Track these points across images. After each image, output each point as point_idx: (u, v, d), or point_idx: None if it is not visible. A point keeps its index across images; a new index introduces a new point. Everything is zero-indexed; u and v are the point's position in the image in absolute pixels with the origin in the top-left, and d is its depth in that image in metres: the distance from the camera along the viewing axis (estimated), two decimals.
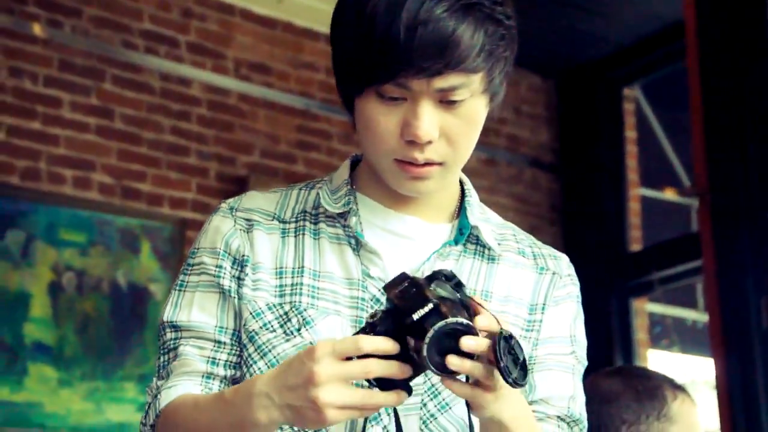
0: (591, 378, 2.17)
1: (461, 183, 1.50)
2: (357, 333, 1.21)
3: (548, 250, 1.52)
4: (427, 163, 1.34)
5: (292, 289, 1.38)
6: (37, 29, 4.09)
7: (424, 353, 1.16)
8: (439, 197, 1.44)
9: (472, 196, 1.49)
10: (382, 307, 1.25)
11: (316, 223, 1.42)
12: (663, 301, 5.97)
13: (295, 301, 1.38)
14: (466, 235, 1.44)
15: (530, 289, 1.46)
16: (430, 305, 1.17)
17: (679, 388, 2.11)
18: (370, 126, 1.33)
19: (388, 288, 1.22)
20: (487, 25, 1.31)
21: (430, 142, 1.32)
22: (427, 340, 1.15)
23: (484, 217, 1.49)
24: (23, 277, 3.90)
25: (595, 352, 5.89)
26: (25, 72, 4.06)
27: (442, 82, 1.29)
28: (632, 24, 5.03)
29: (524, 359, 1.19)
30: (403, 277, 1.22)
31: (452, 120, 1.33)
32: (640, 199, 5.43)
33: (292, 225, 1.42)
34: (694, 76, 3.86)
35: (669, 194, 6.10)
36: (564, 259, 1.52)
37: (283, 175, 4.56)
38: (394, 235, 1.42)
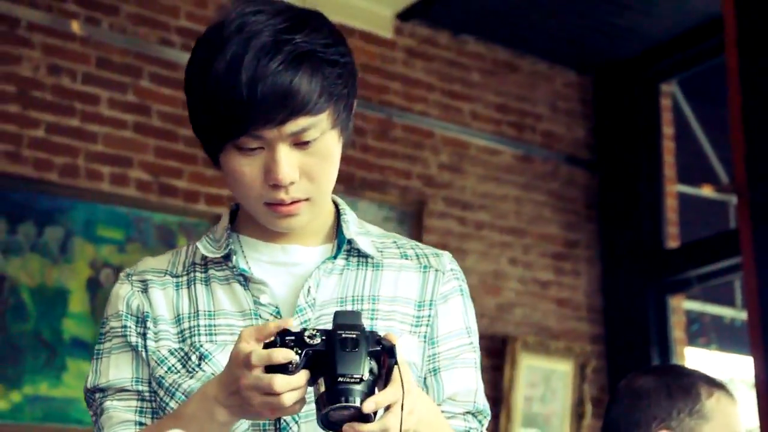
0: (628, 377, 2.16)
1: (336, 204, 1.59)
2: (285, 342, 1.29)
3: (430, 250, 1.61)
4: (294, 201, 1.45)
5: (190, 332, 1.49)
6: (75, 27, 4.13)
7: (319, 421, 1.26)
8: (313, 223, 1.53)
9: (347, 214, 1.57)
10: (320, 333, 1.30)
11: (205, 272, 1.53)
12: (700, 298, 5.93)
13: (194, 342, 1.49)
14: (342, 249, 1.53)
15: (417, 288, 1.56)
16: (358, 378, 1.25)
17: (717, 386, 2.09)
18: (236, 177, 1.45)
19: (338, 316, 1.30)
20: (323, 69, 1.41)
21: (292, 183, 1.43)
22: (323, 410, 1.25)
23: (363, 231, 1.58)
24: (62, 273, 3.93)
25: (632, 350, 5.86)
26: (63, 69, 4.10)
27: (292, 127, 1.40)
28: (669, 19, 5.00)
29: None
30: (355, 321, 1.29)
31: (308, 159, 1.43)
32: (677, 195, 5.39)
33: (184, 277, 1.54)
34: (733, 72, 3.83)
35: (706, 191, 6.05)
36: (446, 255, 1.61)
37: None
38: (279, 264, 1.53)
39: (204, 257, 1.54)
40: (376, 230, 1.62)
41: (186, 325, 1.50)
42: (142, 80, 4.26)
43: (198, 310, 1.50)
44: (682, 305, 5.41)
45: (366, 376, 1.25)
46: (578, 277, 5.30)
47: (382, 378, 1.29)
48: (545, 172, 5.30)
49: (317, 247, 1.54)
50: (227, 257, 1.52)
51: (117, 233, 4.07)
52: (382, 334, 1.34)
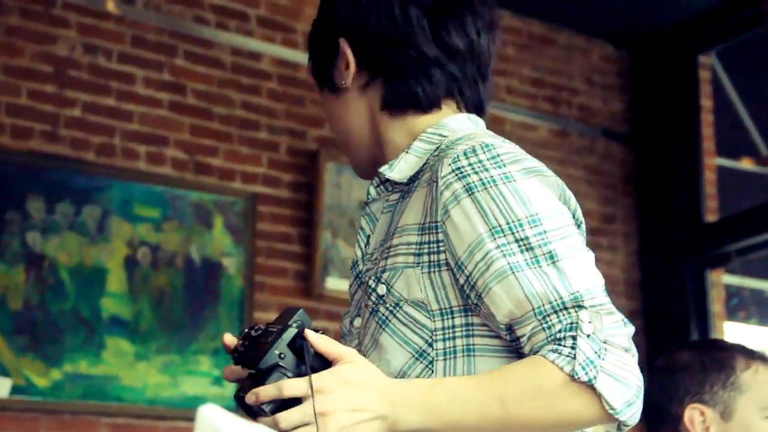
0: (668, 353, 2.15)
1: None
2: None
3: (445, 152, 1.38)
4: None
5: None
6: (110, 6, 4.13)
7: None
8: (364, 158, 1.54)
9: (413, 147, 1.47)
10: (264, 327, 1.31)
11: None
12: (740, 272, 5.87)
13: None
14: (378, 183, 1.48)
15: (421, 208, 1.37)
16: (253, 369, 1.27)
17: (755, 358, 2.07)
18: None
19: (284, 312, 1.31)
20: None
21: None
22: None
23: (423, 150, 1.44)
24: (100, 252, 3.96)
25: (671, 325, 5.84)
26: (99, 48, 4.11)
27: None
28: None
29: None
30: (290, 316, 1.27)
31: None
32: (716, 168, 5.33)
33: None
34: None
35: (746, 164, 5.98)
36: (450, 156, 1.35)
37: None
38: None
39: None
40: (460, 135, 1.42)
41: None
42: (176, 59, 4.26)
43: None
44: (722, 279, 5.36)
45: (265, 368, 1.25)
46: (616, 252, 5.26)
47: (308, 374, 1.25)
48: (582, 147, 5.26)
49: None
50: None
51: (153, 212, 4.09)
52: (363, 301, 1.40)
